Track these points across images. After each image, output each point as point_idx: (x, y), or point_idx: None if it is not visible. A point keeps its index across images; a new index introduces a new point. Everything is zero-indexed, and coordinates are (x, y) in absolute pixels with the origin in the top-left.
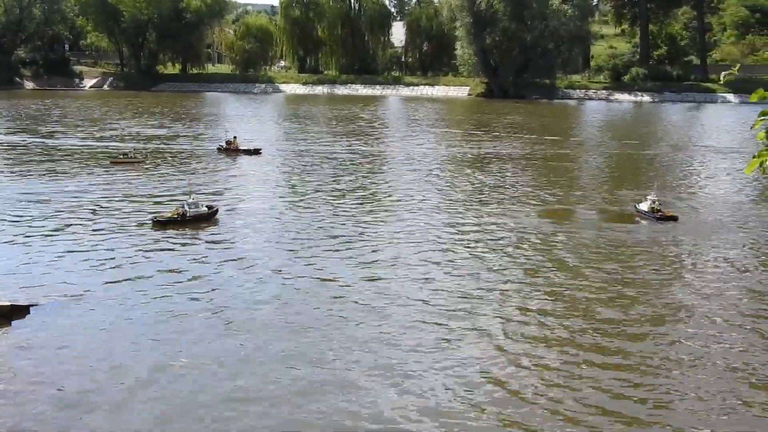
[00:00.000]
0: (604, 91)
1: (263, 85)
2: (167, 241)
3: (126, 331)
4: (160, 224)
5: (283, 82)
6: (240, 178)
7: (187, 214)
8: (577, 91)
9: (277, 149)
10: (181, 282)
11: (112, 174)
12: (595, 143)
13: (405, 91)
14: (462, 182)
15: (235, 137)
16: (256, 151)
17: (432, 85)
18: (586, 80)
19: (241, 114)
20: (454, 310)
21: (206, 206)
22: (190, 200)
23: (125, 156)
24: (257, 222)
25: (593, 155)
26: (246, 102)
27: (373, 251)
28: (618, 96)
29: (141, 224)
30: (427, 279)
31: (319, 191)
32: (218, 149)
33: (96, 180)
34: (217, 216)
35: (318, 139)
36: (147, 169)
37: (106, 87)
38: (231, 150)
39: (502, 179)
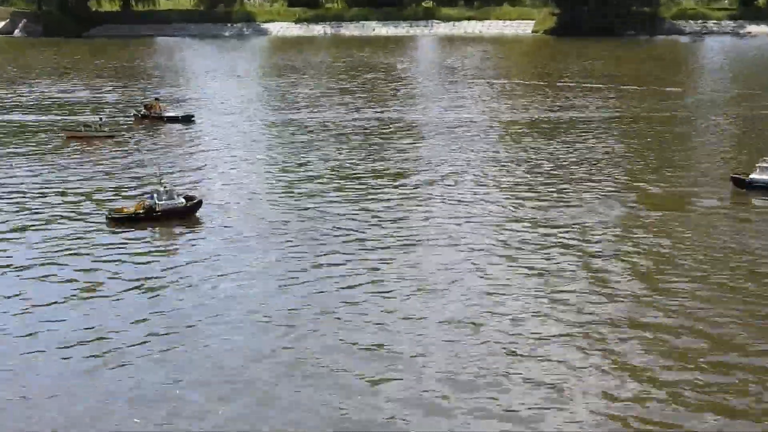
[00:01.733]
0: (730, 22)
1: (238, 26)
2: (125, 250)
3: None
4: (117, 222)
5: (267, 21)
6: (209, 158)
7: (157, 208)
8: (691, 23)
9: (260, 119)
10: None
11: (68, 154)
12: (720, 100)
13: (442, 30)
14: (525, 159)
15: (157, 99)
16: (187, 119)
17: (480, 19)
18: (704, 7)
19: (206, 69)
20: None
21: (184, 197)
22: (162, 188)
23: (87, 128)
24: (247, 221)
25: (717, 117)
26: (214, 50)
27: (407, 269)
28: (752, 29)
29: (91, 226)
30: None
31: (323, 176)
32: (135, 116)
33: (46, 162)
34: (199, 211)
35: (317, 103)
36: (118, 144)
37: (17, 33)
38: (153, 117)
39: (582, 153)
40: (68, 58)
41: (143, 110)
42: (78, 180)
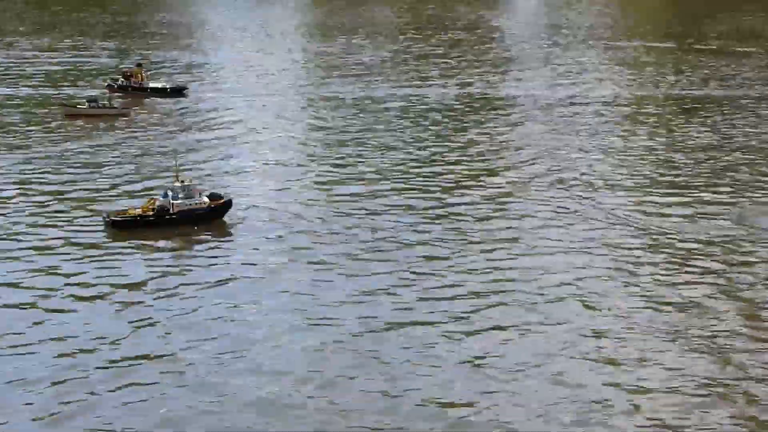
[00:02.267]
0: None
1: None
2: (123, 269)
3: None
4: (119, 227)
5: None
6: (233, 146)
7: (171, 209)
8: None
9: (297, 95)
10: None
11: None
12: None
13: None
14: (657, 149)
15: (140, 66)
16: (178, 92)
17: None
18: None
19: (230, 26)
20: None
21: (208, 196)
22: (178, 184)
23: (92, 104)
24: (285, 228)
25: None
26: (243, 2)
27: (494, 293)
28: None
29: (85, 235)
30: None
31: (381, 171)
32: (110, 87)
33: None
34: (226, 215)
35: (372, 73)
36: (130, 125)
37: None
38: (134, 88)
39: (734, 140)
40: (49, 11)
41: (121, 79)
42: (75, 172)
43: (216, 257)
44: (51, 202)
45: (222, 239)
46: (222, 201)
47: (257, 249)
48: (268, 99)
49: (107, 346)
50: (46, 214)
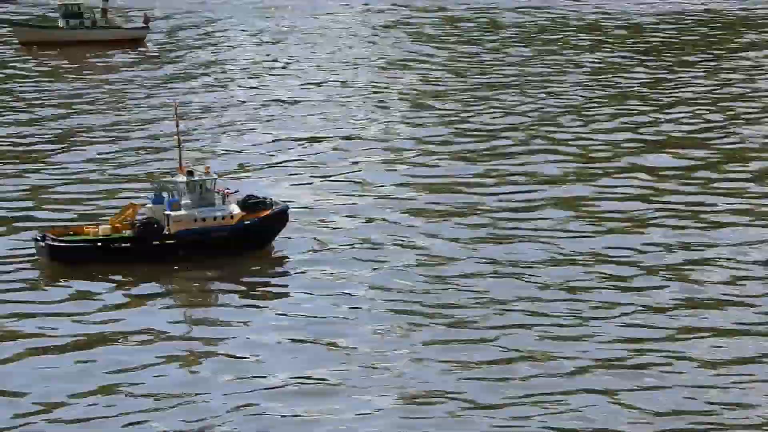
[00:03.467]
0: None
1: None
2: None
3: None
4: (61, 257)
5: None
6: (272, 133)
7: (167, 227)
8: None
9: (366, 77)
10: None
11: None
12: None
13: None
14: None
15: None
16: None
17: None
18: None
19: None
20: None
21: (243, 202)
22: (182, 178)
23: (71, 21)
24: (369, 259)
25: None
26: None
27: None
28: None
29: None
30: None
31: (485, 180)
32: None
33: None
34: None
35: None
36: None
37: None
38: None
39: None
40: None
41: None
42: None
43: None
44: None
45: (269, 300)
46: (269, 212)
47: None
48: (329, 74)
49: None
50: None
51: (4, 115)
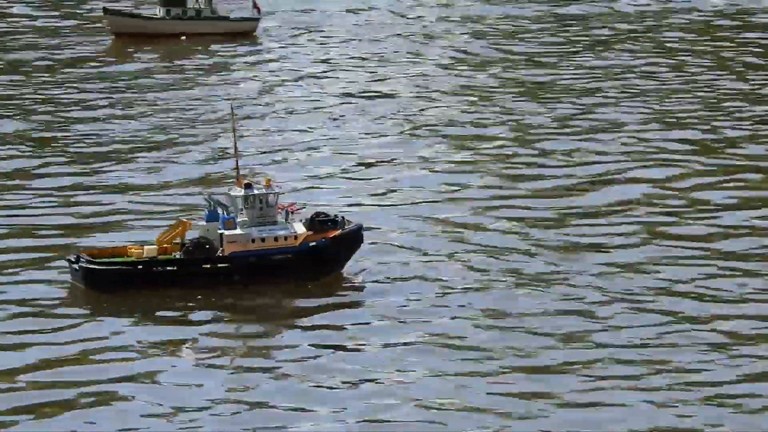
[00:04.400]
0: None
1: None
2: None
3: None
4: (97, 281)
5: None
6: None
7: (221, 248)
8: None
9: (448, 69)
10: None
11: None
12: None
13: None
14: None
15: None
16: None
17: None
18: None
19: None
20: None
21: (310, 221)
22: (239, 191)
23: (172, 8)
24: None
25: None
26: None
27: None
28: None
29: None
30: None
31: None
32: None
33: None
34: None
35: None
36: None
37: None
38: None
39: None
40: None
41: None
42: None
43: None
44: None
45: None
46: (340, 232)
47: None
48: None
49: None
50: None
51: (68, 116)
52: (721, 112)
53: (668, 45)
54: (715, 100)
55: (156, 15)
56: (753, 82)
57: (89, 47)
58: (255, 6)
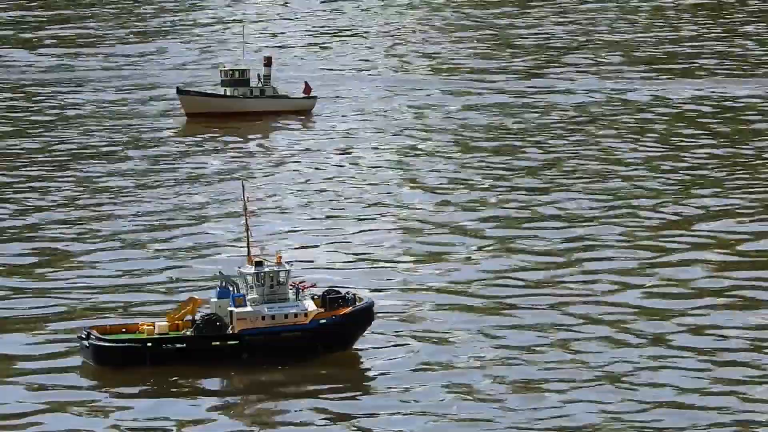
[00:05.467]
0: None
1: None
2: None
3: None
4: (108, 358)
5: None
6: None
7: (231, 325)
8: None
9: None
10: None
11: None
12: None
13: None
14: None
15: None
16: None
17: None
18: None
19: None
20: None
21: (321, 298)
22: (249, 268)
23: (235, 86)
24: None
25: None
26: None
27: None
28: None
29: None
30: None
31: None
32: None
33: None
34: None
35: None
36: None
37: None
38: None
39: None
40: None
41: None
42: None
43: None
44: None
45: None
46: (350, 309)
47: None
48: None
49: None
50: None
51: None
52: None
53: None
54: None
55: (228, 94)
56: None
57: (164, 127)
58: (307, 89)
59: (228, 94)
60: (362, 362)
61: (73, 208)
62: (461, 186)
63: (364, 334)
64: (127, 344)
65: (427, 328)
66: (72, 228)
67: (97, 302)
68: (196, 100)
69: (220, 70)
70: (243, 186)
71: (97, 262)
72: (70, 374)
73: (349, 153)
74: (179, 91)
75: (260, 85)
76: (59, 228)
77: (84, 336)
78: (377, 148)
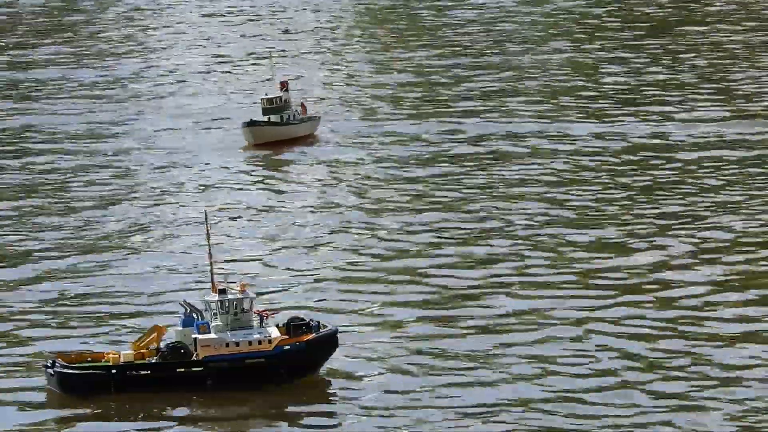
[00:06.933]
0: None
1: None
2: None
3: None
4: (72, 387)
5: None
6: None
7: (195, 352)
8: None
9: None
10: None
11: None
12: None
13: None
14: None
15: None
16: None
17: None
18: None
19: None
20: None
21: (287, 326)
22: (214, 297)
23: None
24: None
25: None
26: None
27: None
28: None
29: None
30: None
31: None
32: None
33: None
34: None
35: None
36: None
37: None
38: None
39: None
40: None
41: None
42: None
43: None
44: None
45: None
46: (313, 336)
47: None
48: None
49: None
50: None
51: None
52: None
53: None
54: None
55: (287, 121)
56: None
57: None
58: (303, 109)
59: (272, 119)
60: (327, 388)
61: (47, 236)
62: (426, 206)
63: (328, 360)
64: (92, 372)
65: (391, 353)
66: (36, 255)
67: (61, 331)
68: (264, 131)
69: (262, 99)
70: (206, 214)
71: (63, 291)
72: (35, 401)
73: (331, 179)
74: (249, 124)
75: (296, 110)
76: (22, 257)
77: (49, 364)
78: (357, 174)
